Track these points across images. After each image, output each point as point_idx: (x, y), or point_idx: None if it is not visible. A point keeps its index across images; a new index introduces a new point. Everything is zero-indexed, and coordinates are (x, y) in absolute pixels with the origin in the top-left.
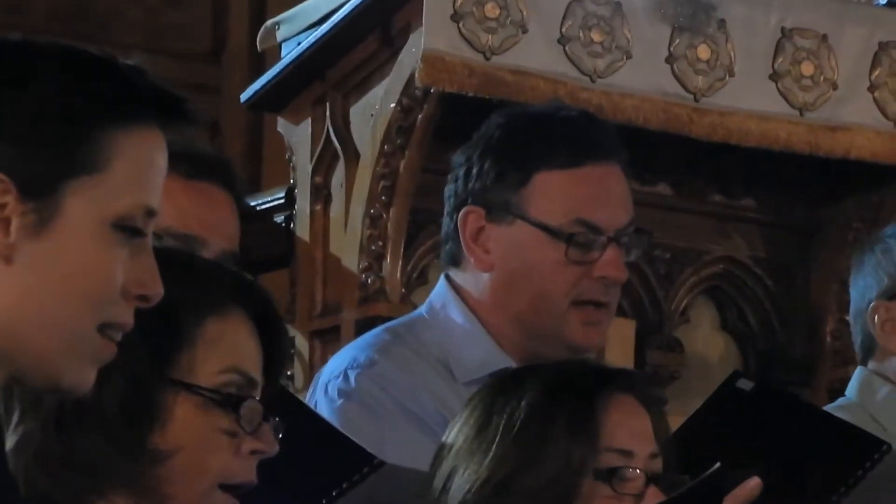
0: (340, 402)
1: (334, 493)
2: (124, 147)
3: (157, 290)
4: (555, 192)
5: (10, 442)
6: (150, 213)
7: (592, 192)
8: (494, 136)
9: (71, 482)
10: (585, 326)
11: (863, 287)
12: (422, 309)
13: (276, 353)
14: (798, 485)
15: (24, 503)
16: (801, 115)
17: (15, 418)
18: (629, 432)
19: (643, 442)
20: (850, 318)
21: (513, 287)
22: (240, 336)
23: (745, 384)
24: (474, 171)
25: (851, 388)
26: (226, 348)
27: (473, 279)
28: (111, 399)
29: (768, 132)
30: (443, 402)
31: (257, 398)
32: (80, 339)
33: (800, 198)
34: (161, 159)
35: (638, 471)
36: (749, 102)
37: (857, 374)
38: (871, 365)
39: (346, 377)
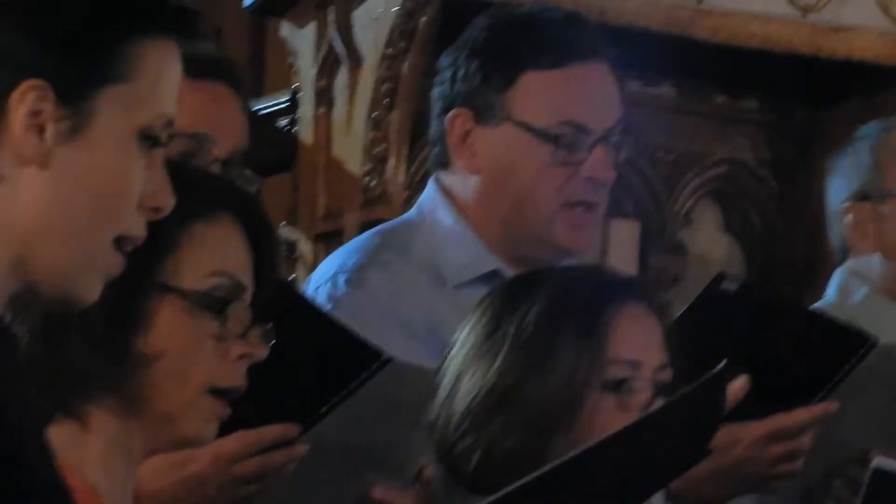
0: (328, 306)
1: (344, 392)
2: (149, 58)
3: (169, 202)
4: (540, 93)
5: None
6: (169, 123)
7: (578, 92)
8: (480, 38)
9: (56, 388)
10: (574, 228)
11: (836, 188)
12: (412, 212)
13: (265, 257)
14: (785, 382)
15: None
16: (804, 16)
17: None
18: (638, 343)
19: (652, 352)
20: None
21: (500, 189)
22: (227, 240)
23: (729, 285)
24: (460, 73)
25: (831, 290)
26: (212, 252)
27: (462, 182)
28: (95, 304)
29: (771, 34)
30: (430, 306)
31: (246, 302)
32: (96, 251)
33: (802, 99)
34: (177, 71)
35: (646, 383)
36: (752, 4)
37: (836, 275)
38: (849, 265)
39: (334, 282)
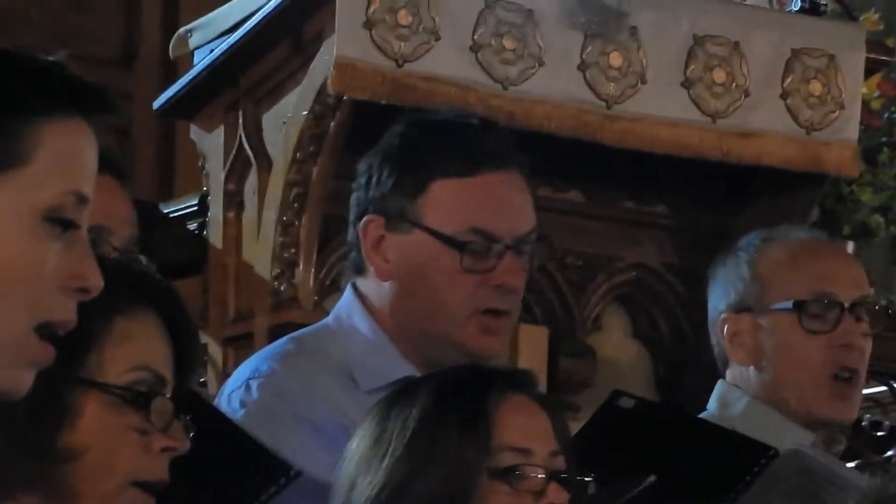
0: (241, 412)
1: None
2: (47, 138)
3: (96, 282)
4: (450, 201)
5: None
6: (81, 199)
7: (487, 200)
8: (393, 145)
9: None
10: (484, 335)
11: (715, 298)
12: (329, 318)
13: (186, 351)
14: (688, 493)
15: None
16: (714, 121)
17: None
18: (525, 431)
19: (541, 440)
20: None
21: (411, 296)
22: (148, 334)
23: (626, 402)
24: (374, 179)
25: (712, 402)
26: (134, 347)
27: (376, 287)
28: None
29: (679, 139)
30: (343, 411)
31: (168, 395)
32: (14, 342)
33: (710, 204)
34: (89, 148)
35: (537, 469)
36: (661, 109)
37: (717, 387)
38: (728, 377)
39: (247, 388)
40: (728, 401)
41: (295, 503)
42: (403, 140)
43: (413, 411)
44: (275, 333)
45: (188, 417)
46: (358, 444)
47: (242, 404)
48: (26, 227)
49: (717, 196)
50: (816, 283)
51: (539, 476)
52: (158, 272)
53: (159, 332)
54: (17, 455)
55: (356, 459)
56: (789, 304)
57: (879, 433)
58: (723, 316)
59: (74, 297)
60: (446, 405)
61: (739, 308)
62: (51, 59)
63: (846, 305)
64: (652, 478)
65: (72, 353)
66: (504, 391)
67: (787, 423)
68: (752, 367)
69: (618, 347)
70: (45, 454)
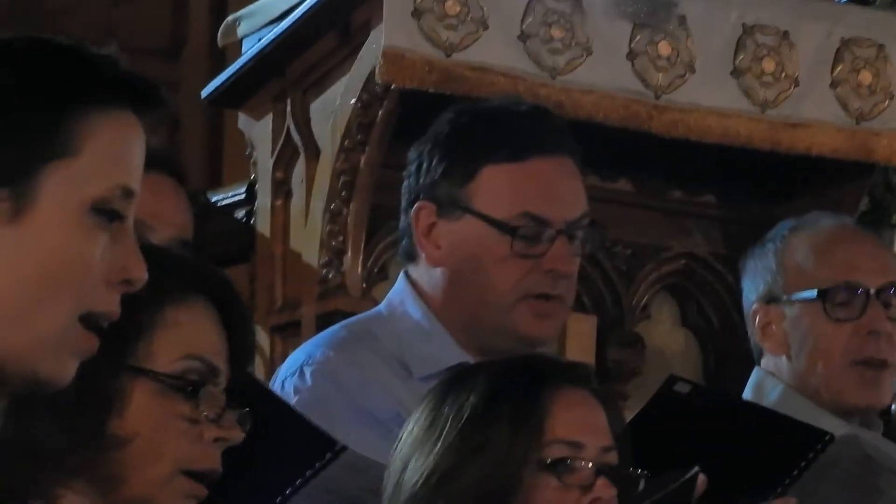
0: (295, 399)
1: (298, 482)
2: (97, 130)
3: (140, 275)
4: (500, 186)
5: None
6: (128, 193)
7: (538, 185)
8: (443, 132)
9: (27, 472)
10: (536, 319)
11: (747, 290)
12: (381, 306)
13: (240, 341)
14: (742, 480)
15: None
16: (763, 111)
17: None
18: (578, 425)
19: (594, 434)
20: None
21: (462, 282)
22: (200, 323)
23: (682, 387)
24: (424, 166)
25: (747, 391)
26: (185, 335)
27: (428, 274)
28: (67, 386)
29: (729, 129)
30: (397, 398)
31: (221, 386)
32: (58, 331)
33: (759, 193)
34: (138, 142)
35: (587, 463)
36: (710, 99)
37: (753, 375)
38: (762, 365)
39: (301, 374)
40: (763, 388)
41: (349, 479)
42: (453, 127)
43: (468, 399)
44: (322, 322)
45: (244, 409)
46: (413, 427)
47: (296, 391)
48: (73, 218)
49: (766, 186)
50: (841, 271)
51: (587, 470)
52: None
53: (212, 321)
54: (66, 442)
55: (410, 441)
56: (814, 294)
57: None
58: (754, 307)
59: (118, 290)
60: (501, 395)
61: (769, 299)
62: (103, 52)
63: (872, 291)
64: (696, 469)
65: (122, 340)
66: (560, 384)
67: (820, 412)
68: (783, 357)
69: (666, 336)
70: (94, 441)
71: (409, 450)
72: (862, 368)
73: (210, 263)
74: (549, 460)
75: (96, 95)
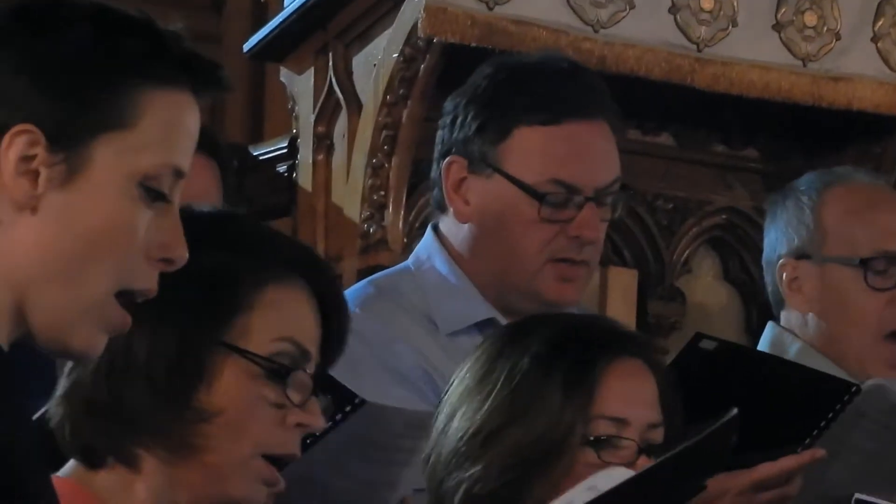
0: None
1: (318, 433)
2: (155, 106)
3: (182, 254)
4: (532, 149)
5: (61, 387)
6: (178, 173)
7: (570, 151)
8: (480, 87)
9: (112, 432)
10: (560, 282)
11: (773, 240)
12: (409, 261)
13: (334, 329)
14: (771, 433)
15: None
16: (804, 65)
17: (68, 365)
18: (627, 399)
19: (642, 410)
20: (762, 264)
21: (488, 241)
22: (298, 307)
23: (707, 344)
24: (459, 120)
25: (763, 345)
26: (282, 317)
27: (456, 228)
28: (161, 354)
29: (771, 83)
30: (423, 354)
31: (310, 371)
32: (95, 303)
33: (801, 147)
34: (192, 123)
35: (630, 441)
36: (752, 53)
37: (768, 330)
38: (782, 320)
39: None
40: (781, 344)
41: (373, 431)
42: (491, 83)
43: (522, 359)
44: (364, 276)
45: (328, 397)
46: (464, 377)
47: None
48: (122, 189)
49: (809, 140)
50: (882, 239)
51: (630, 448)
52: (249, 215)
53: (310, 306)
54: (152, 407)
55: (461, 391)
56: (853, 259)
57: None
58: (782, 261)
59: (158, 267)
60: (556, 361)
61: (800, 254)
62: (171, 28)
63: None
64: (734, 412)
65: (219, 315)
66: (615, 354)
67: (838, 370)
68: (809, 315)
69: (708, 291)
70: (179, 410)
71: (459, 400)
72: (893, 344)
73: (314, 250)
74: (592, 437)
75: (159, 72)
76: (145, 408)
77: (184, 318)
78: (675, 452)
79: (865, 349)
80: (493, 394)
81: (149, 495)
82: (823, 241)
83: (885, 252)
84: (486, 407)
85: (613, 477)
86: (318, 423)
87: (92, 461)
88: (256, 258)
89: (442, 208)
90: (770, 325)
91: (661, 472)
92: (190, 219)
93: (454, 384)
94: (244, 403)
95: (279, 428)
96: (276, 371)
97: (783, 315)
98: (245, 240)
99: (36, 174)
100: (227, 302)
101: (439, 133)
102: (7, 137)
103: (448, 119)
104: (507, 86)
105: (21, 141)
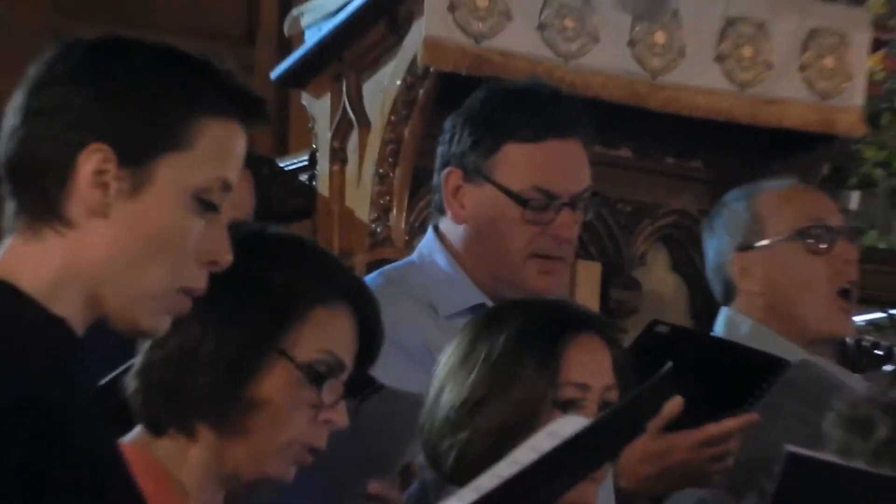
0: None
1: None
2: (210, 132)
3: (227, 259)
4: (519, 162)
5: (138, 363)
6: (226, 186)
7: (550, 164)
8: (475, 108)
9: (176, 408)
10: (541, 275)
11: (717, 245)
12: (413, 255)
13: (369, 345)
14: (718, 400)
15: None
16: (742, 90)
17: (146, 344)
18: (588, 368)
19: (600, 376)
20: (707, 273)
21: (481, 239)
22: (341, 326)
23: (662, 328)
24: (456, 136)
25: (718, 327)
26: (327, 334)
27: (453, 229)
28: (224, 351)
29: (714, 105)
30: (426, 335)
31: (342, 378)
32: (158, 290)
33: (739, 159)
34: (240, 147)
35: (592, 401)
36: (698, 80)
37: (721, 314)
38: (733, 305)
39: None
40: (735, 324)
41: (386, 408)
42: (483, 105)
43: (499, 340)
44: (372, 267)
45: (354, 400)
46: (450, 357)
47: None
48: (180, 201)
49: (746, 153)
50: (811, 212)
51: (592, 408)
52: (275, 217)
53: (351, 326)
54: (209, 389)
55: (447, 370)
56: (791, 233)
57: (878, 352)
58: (731, 258)
59: (206, 269)
60: (528, 340)
61: (745, 247)
62: (224, 68)
63: (836, 228)
64: (669, 365)
65: (278, 324)
66: (578, 331)
67: (787, 343)
68: (760, 297)
69: (660, 281)
70: (233, 398)
71: (446, 375)
72: (841, 297)
73: (359, 277)
74: (561, 401)
75: (214, 104)
76: (205, 393)
77: (248, 323)
78: (622, 403)
79: (822, 308)
80: (476, 371)
81: (200, 463)
82: (762, 228)
83: (817, 219)
84: (470, 381)
85: (570, 423)
86: (344, 422)
87: (156, 429)
88: (316, 281)
89: (441, 211)
90: (723, 309)
91: (612, 418)
92: (263, 237)
93: (440, 365)
94: (286, 401)
95: (312, 423)
96: (315, 377)
97: (735, 301)
98: (308, 263)
99: (107, 186)
100: (286, 316)
101: (439, 148)
102: (84, 153)
103: (447, 136)
104: (498, 108)
105: (96, 157)
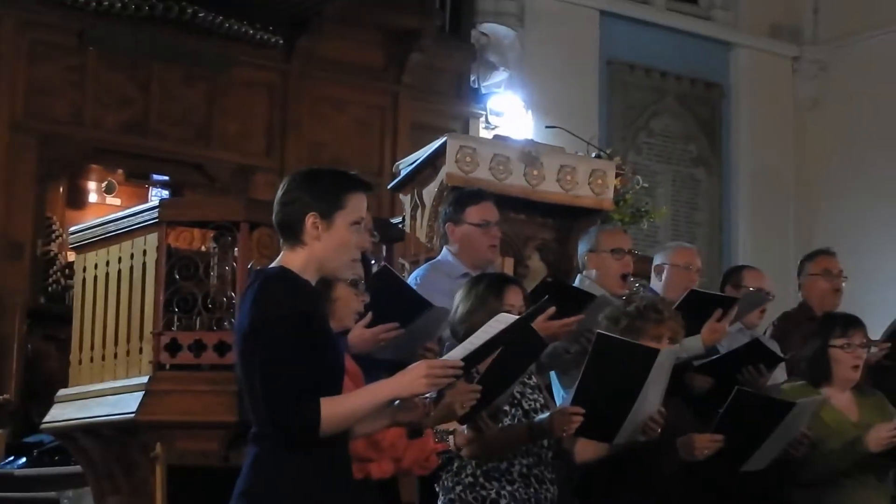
0: (416, 286)
1: (415, 319)
2: (354, 199)
3: (368, 247)
4: (475, 212)
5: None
6: (361, 219)
7: (487, 210)
8: (453, 197)
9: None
10: (490, 251)
11: (581, 249)
12: (439, 256)
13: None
14: (568, 315)
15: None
16: (567, 192)
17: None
18: (514, 298)
19: (521, 301)
20: (578, 260)
21: (464, 247)
22: (362, 201)
23: (548, 280)
24: (451, 209)
25: (576, 282)
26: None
27: (453, 245)
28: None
29: (556, 199)
30: (448, 287)
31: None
32: (347, 263)
33: (568, 217)
34: (365, 202)
35: (516, 310)
36: (548, 188)
37: (577, 279)
38: (584, 273)
39: (416, 278)
40: (580, 282)
41: (434, 319)
42: (456, 197)
43: (479, 288)
44: (425, 262)
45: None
46: (460, 295)
47: (413, 282)
48: (347, 227)
49: (569, 216)
50: (611, 242)
51: (517, 314)
52: (386, 241)
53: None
54: (312, 226)
55: (459, 299)
56: (609, 249)
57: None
58: (586, 256)
59: (360, 250)
60: (489, 287)
61: (590, 250)
62: (358, 175)
63: (626, 249)
64: (545, 299)
65: (338, 200)
66: (509, 283)
67: (601, 288)
68: (594, 271)
69: (536, 266)
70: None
71: (458, 302)
72: (624, 284)
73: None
74: (504, 311)
75: (355, 187)
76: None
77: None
78: (528, 311)
79: (612, 280)
80: (471, 301)
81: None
82: (597, 244)
83: (616, 244)
84: (466, 307)
85: (507, 318)
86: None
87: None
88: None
89: (446, 239)
90: (578, 276)
91: (524, 319)
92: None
93: (457, 297)
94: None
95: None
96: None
97: (585, 272)
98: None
99: (318, 227)
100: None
101: (442, 213)
102: (308, 217)
103: (443, 209)
104: (462, 196)
105: (310, 220)
